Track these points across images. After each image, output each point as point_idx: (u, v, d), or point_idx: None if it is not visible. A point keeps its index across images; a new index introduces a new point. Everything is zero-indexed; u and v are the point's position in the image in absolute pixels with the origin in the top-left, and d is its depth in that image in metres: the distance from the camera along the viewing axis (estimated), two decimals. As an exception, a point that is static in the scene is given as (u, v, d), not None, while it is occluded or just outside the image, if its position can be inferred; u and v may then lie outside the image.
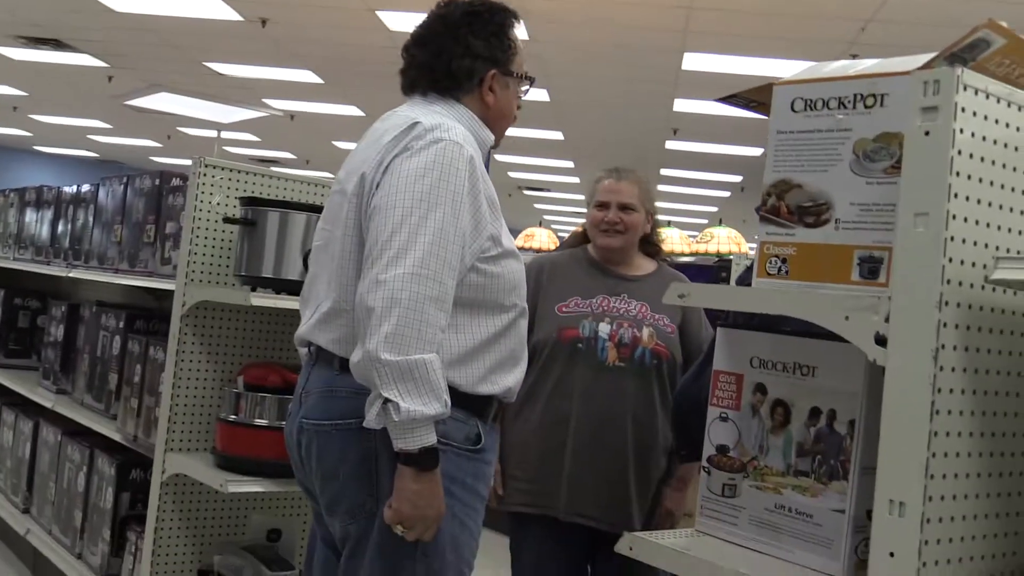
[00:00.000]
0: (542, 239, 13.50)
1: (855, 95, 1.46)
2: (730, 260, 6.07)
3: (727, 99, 1.73)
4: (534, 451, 2.86)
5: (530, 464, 2.86)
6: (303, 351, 2.24)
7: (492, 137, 2.24)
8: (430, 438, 1.91)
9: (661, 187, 15.57)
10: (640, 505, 2.85)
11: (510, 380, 2.14)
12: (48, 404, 4.01)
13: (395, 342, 1.87)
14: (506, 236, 2.12)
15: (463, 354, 2.05)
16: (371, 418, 1.92)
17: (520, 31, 2.29)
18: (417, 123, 2.06)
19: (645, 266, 3.03)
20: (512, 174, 15.54)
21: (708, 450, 1.69)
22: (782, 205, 1.52)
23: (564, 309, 2.90)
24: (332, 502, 2.08)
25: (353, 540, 2.06)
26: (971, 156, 1.25)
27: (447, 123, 2.08)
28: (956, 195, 1.23)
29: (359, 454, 2.02)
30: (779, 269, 1.52)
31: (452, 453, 2.03)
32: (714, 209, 17.25)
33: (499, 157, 13.48)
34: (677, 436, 2.67)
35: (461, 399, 2.02)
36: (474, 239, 2.03)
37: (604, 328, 2.86)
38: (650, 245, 3.06)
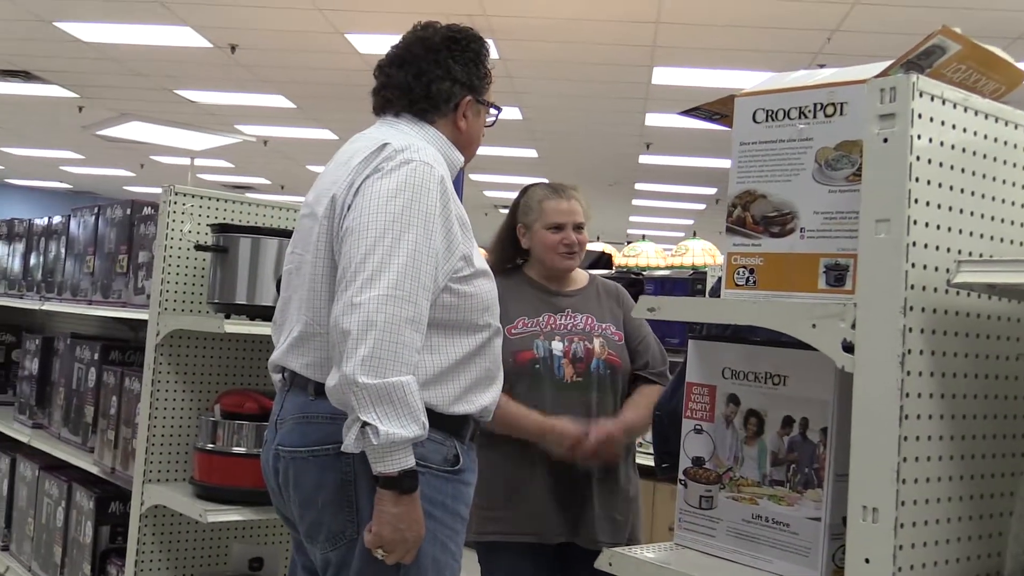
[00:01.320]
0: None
1: (815, 104, 1.47)
2: (705, 272, 6.08)
3: (690, 112, 1.74)
4: (503, 478, 2.78)
5: (501, 491, 2.78)
6: (276, 377, 2.23)
7: (462, 159, 2.25)
8: (409, 460, 1.91)
9: (636, 201, 15.60)
10: (606, 516, 2.83)
11: (486, 399, 2.14)
12: (24, 439, 3.97)
13: (372, 365, 1.86)
14: (477, 256, 2.13)
15: (438, 374, 2.05)
16: (349, 442, 1.91)
17: (491, 54, 2.31)
18: (387, 144, 2.06)
19: (579, 279, 3.01)
20: (488, 193, 15.56)
21: (684, 463, 1.69)
22: (748, 216, 1.53)
23: (513, 331, 2.85)
24: (311, 529, 2.07)
25: (334, 567, 2.05)
26: (929, 161, 1.26)
27: (417, 143, 2.09)
28: (916, 200, 1.24)
29: (336, 481, 2.01)
30: (747, 280, 1.53)
31: (431, 475, 2.02)
32: (690, 222, 17.29)
33: (474, 176, 13.50)
34: (658, 450, 2.67)
35: (437, 420, 2.02)
36: (447, 259, 2.03)
37: (557, 346, 2.84)
38: None
